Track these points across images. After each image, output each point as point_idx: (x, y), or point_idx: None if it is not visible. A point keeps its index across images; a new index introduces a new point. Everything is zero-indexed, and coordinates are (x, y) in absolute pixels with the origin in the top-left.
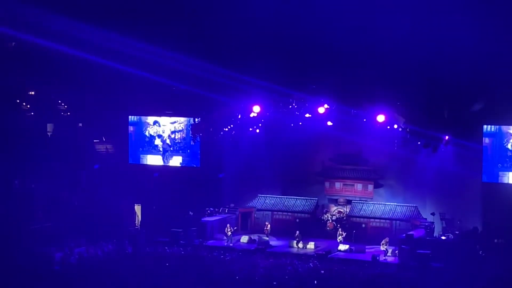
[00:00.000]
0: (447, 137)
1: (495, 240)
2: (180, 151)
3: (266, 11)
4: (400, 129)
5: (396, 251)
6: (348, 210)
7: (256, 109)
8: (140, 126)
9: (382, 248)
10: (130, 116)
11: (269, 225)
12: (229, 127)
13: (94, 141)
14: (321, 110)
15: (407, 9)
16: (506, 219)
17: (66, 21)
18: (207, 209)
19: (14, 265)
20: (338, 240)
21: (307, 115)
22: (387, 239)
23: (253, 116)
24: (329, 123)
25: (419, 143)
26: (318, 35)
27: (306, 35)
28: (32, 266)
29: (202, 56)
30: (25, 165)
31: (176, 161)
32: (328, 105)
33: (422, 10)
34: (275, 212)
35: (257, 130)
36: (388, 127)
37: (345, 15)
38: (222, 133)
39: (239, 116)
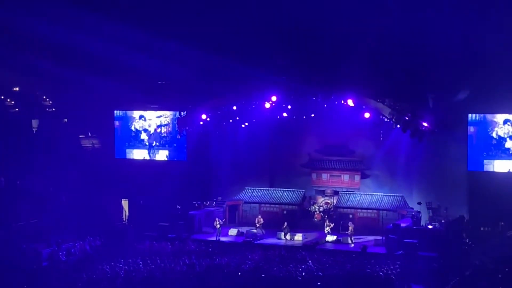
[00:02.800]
0: (432, 126)
1: (481, 228)
2: (167, 145)
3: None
4: (385, 119)
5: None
6: (335, 201)
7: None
8: (126, 120)
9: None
10: (115, 111)
11: (262, 218)
12: (215, 120)
13: (80, 136)
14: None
15: None
16: (492, 207)
17: (50, 17)
18: (194, 202)
19: (1, 262)
20: (326, 231)
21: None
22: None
23: (239, 109)
24: (312, 115)
25: (404, 133)
26: (304, 25)
27: (292, 25)
28: (20, 263)
29: (188, 48)
30: (10, 162)
31: (162, 155)
32: (313, 96)
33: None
34: (262, 205)
35: (245, 124)
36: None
37: (331, 4)
38: (208, 126)
39: (225, 109)
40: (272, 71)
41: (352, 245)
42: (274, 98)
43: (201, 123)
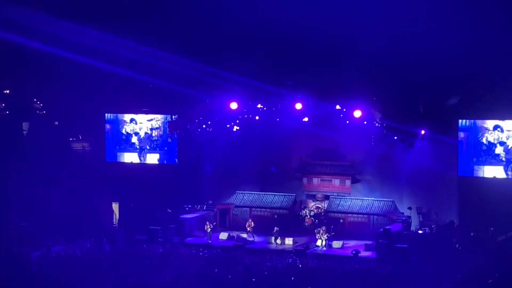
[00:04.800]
0: (423, 132)
1: (471, 233)
2: (157, 148)
3: (244, 6)
4: (376, 125)
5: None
6: (326, 205)
7: (233, 105)
8: (117, 124)
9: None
10: (106, 114)
11: (252, 222)
12: (206, 123)
13: (71, 139)
14: (298, 106)
15: (384, 4)
16: (482, 212)
17: (40, 18)
18: (185, 206)
19: None
20: (317, 236)
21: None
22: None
23: (231, 113)
24: (305, 119)
25: (395, 138)
26: (295, 31)
27: (283, 31)
28: (9, 266)
29: (179, 52)
30: (0, 165)
31: (153, 158)
32: (305, 101)
33: (399, 5)
34: (253, 209)
35: (235, 128)
36: (365, 122)
37: (323, 11)
38: (199, 130)
39: (217, 113)
40: (266, 77)
41: (325, 248)
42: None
43: (192, 127)
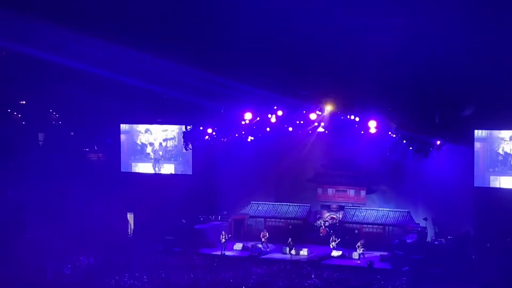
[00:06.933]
0: (438, 142)
1: (488, 244)
2: (172, 158)
3: (258, 18)
4: (392, 135)
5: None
6: (340, 216)
7: (248, 116)
8: (132, 134)
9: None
10: (121, 125)
11: (267, 233)
12: (221, 134)
13: (86, 149)
14: (312, 116)
15: (399, 15)
16: (498, 223)
17: (56, 30)
18: (200, 216)
19: (6, 276)
20: (331, 246)
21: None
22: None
23: (245, 123)
24: (321, 129)
25: (410, 148)
26: (310, 41)
27: (298, 41)
28: (24, 276)
29: (193, 63)
30: (16, 175)
31: (168, 169)
32: (320, 111)
33: (414, 16)
34: (268, 219)
35: (250, 138)
36: (380, 132)
37: (338, 21)
38: (214, 140)
39: (231, 123)
40: (276, 86)
41: (359, 261)
42: (280, 113)
43: (207, 137)
